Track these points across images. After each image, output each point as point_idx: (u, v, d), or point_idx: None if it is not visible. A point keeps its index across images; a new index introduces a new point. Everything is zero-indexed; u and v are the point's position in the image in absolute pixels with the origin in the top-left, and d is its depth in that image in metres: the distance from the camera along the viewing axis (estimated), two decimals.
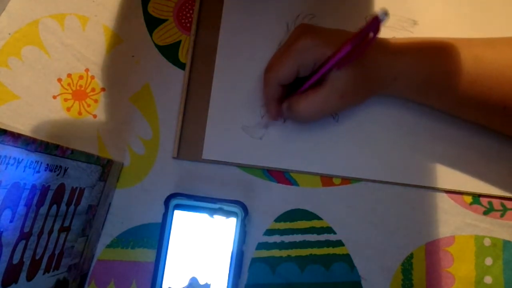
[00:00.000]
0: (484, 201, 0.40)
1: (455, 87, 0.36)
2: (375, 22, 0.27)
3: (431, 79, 0.36)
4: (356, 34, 0.29)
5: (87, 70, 0.43)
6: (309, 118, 0.38)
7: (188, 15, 0.44)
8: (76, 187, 0.33)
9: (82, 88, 0.42)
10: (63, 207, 0.32)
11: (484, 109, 0.36)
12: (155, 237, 0.40)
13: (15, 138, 0.25)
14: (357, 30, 0.29)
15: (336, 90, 0.35)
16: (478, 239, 0.40)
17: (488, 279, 0.39)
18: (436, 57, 0.36)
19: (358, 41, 0.30)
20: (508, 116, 0.36)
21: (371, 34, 0.29)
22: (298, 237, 0.40)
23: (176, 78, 0.42)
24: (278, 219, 0.40)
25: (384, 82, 0.37)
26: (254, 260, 0.40)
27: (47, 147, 0.28)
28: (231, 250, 0.38)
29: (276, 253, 0.40)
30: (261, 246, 0.40)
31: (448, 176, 0.40)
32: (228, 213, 0.39)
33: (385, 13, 0.26)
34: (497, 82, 0.34)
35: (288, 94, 0.38)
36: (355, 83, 0.35)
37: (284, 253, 0.40)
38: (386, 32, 0.42)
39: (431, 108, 0.40)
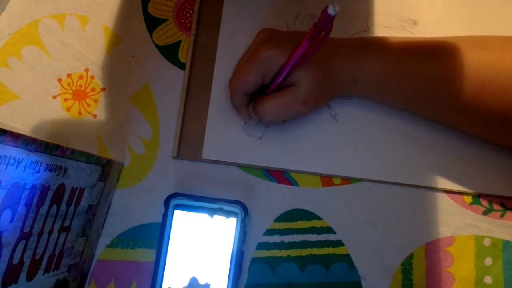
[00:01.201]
0: (484, 201, 0.40)
1: (410, 86, 0.36)
2: (326, 17, 0.28)
3: (388, 79, 0.37)
4: (310, 30, 0.30)
5: (87, 70, 0.43)
6: (272, 120, 0.39)
7: (188, 15, 0.44)
8: (76, 187, 0.33)
9: (82, 88, 0.42)
10: (63, 207, 0.32)
11: (443, 107, 0.37)
12: (155, 237, 0.40)
13: (15, 138, 0.25)
14: (311, 26, 0.30)
15: (298, 94, 0.36)
16: (478, 239, 0.40)
17: (488, 279, 0.39)
18: (390, 56, 0.36)
19: (314, 37, 0.31)
20: (465, 114, 0.36)
21: (323, 32, 0.30)
22: (298, 237, 0.40)
23: (176, 78, 0.42)
24: (278, 219, 0.40)
25: (345, 85, 0.38)
26: (254, 260, 0.40)
27: (47, 147, 0.28)
28: (231, 250, 0.38)
29: (276, 253, 0.40)
30: (261, 246, 0.40)
31: (448, 176, 0.40)
32: (228, 213, 0.39)
33: (335, 9, 0.27)
34: (456, 79, 0.34)
35: (254, 95, 0.39)
36: (317, 87, 0.36)
37: (284, 253, 0.40)
38: (386, 32, 0.43)
39: (390, 107, 0.41)
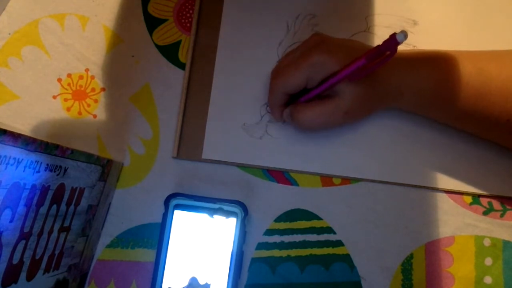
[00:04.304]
0: (484, 201, 0.40)
1: (459, 101, 0.35)
2: (393, 42, 0.27)
3: (436, 94, 0.36)
4: (372, 50, 0.30)
5: (87, 70, 0.43)
6: (310, 129, 0.39)
7: (188, 15, 0.44)
8: (76, 187, 0.33)
9: (82, 88, 0.42)
10: (63, 207, 0.32)
11: (487, 123, 0.36)
12: (155, 237, 0.40)
13: (15, 138, 0.25)
14: (374, 46, 0.30)
15: (342, 105, 0.35)
16: (478, 239, 0.40)
17: (488, 279, 0.39)
18: (441, 71, 0.35)
19: (373, 58, 0.30)
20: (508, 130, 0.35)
21: (388, 53, 0.29)
22: (298, 237, 0.40)
23: (176, 78, 0.42)
24: (278, 219, 0.40)
25: (390, 98, 0.37)
26: (254, 260, 0.40)
27: (47, 147, 0.28)
28: (231, 250, 0.38)
29: (276, 253, 0.40)
30: (261, 246, 0.40)
31: (448, 176, 0.40)
32: (228, 213, 0.39)
33: (405, 35, 0.27)
34: (501, 96, 0.34)
35: (292, 99, 0.38)
36: (361, 100, 0.35)
37: (284, 253, 0.40)
38: (386, 32, 0.43)
39: (434, 121, 0.40)
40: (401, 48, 0.29)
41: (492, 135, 0.38)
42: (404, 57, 0.36)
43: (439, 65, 0.36)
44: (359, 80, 0.34)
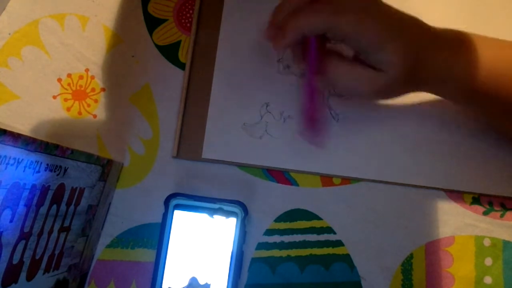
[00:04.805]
0: (484, 201, 0.40)
1: (502, 94, 0.33)
2: None
3: (479, 85, 0.33)
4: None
5: (87, 70, 0.43)
6: (341, 88, 0.36)
7: (188, 15, 0.44)
8: (76, 187, 0.33)
9: (82, 88, 0.42)
10: (63, 207, 0.32)
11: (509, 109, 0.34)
12: (155, 237, 0.40)
13: (15, 138, 0.25)
14: None
15: (379, 79, 0.32)
16: (478, 239, 0.40)
17: (488, 279, 0.39)
18: (483, 60, 0.33)
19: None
20: None
21: None
22: (298, 237, 0.40)
23: (176, 78, 0.42)
24: (278, 219, 0.40)
25: (431, 83, 0.35)
26: (254, 260, 0.40)
27: (47, 147, 0.28)
28: (231, 250, 0.38)
29: (276, 253, 0.40)
30: (261, 246, 0.40)
31: (448, 176, 0.40)
32: (228, 213, 0.39)
33: None
34: None
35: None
36: (402, 79, 0.33)
37: (284, 253, 0.40)
38: None
39: (477, 113, 0.38)
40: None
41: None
42: (454, 37, 0.34)
43: (487, 48, 0.33)
44: (404, 57, 0.32)
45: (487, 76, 0.33)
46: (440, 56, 0.33)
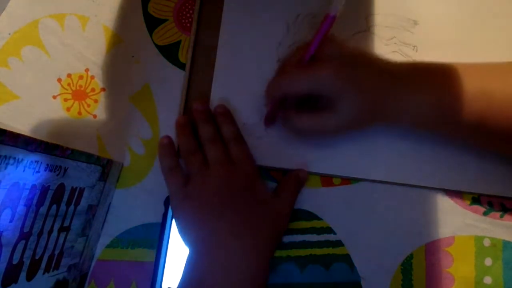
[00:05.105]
0: (484, 201, 0.40)
1: (461, 120, 0.34)
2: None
3: (439, 113, 0.35)
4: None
5: (87, 70, 0.43)
6: (305, 135, 0.40)
7: (188, 15, 0.44)
8: (76, 187, 0.33)
9: (82, 88, 0.42)
10: (63, 207, 0.32)
11: (492, 138, 0.35)
12: (155, 237, 0.40)
13: (15, 138, 0.25)
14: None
15: (339, 119, 0.35)
16: (478, 240, 0.40)
17: (488, 280, 0.39)
18: (443, 90, 0.34)
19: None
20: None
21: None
22: (298, 237, 0.40)
23: (176, 78, 0.42)
24: None
25: (390, 116, 0.36)
26: None
27: (47, 147, 0.28)
28: None
29: (276, 253, 0.40)
30: None
31: (448, 176, 0.40)
32: None
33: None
34: (507, 116, 0.33)
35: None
36: (360, 115, 0.35)
37: (284, 253, 0.40)
38: (386, 32, 0.42)
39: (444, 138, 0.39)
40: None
41: (501, 149, 0.37)
42: (405, 75, 0.35)
43: (440, 82, 0.35)
44: (358, 96, 0.34)
45: (445, 115, 0.35)
46: (391, 91, 0.35)
